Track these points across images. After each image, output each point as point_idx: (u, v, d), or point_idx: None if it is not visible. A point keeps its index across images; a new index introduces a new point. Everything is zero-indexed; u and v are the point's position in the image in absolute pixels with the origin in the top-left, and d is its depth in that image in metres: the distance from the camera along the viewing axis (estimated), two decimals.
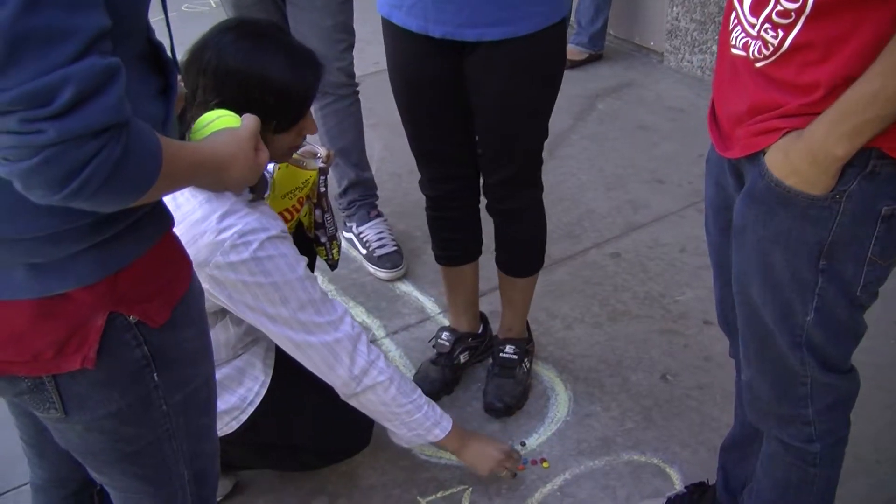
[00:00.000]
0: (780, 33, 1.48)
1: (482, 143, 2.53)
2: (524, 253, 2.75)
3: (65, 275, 1.30)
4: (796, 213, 1.54)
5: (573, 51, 5.07)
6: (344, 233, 3.52)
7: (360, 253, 3.46)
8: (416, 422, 2.28)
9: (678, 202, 3.76)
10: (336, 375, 2.16)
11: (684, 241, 3.49)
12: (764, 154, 1.56)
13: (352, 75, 3.34)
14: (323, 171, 2.27)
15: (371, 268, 3.41)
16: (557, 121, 4.19)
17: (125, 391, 1.41)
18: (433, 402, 2.34)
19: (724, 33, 1.65)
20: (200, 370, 1.55)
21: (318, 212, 2.31)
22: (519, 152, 2.51)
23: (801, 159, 1.48)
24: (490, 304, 3.05)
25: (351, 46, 3.30)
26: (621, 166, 4.09)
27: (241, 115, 1.52)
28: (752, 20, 1.53)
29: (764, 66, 1.53)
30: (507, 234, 2.71)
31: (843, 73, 1.42)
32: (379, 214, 3.52)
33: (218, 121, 1.51)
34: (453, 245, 2.80)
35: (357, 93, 3.40)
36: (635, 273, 3.35)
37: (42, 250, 1.27)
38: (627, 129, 4.44)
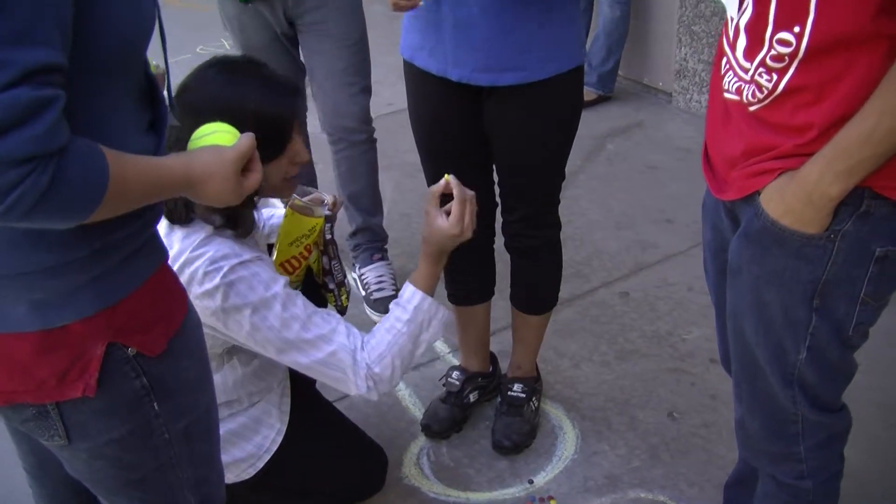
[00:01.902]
0: (774, 77, 1.52)
1: (501, 182, 2.60)
2: (540, 290, 2.79)
3: (64, 308, 1.35)
4: (791, 252, 1.57)
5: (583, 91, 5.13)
6: (352, 273, 3.57)
7: (359, 294, 3.50)
8: (430, 336, 2.25)
9: (686, 241, 3.79)
10: (348, 389, 2.16)
11: (692, 280, 3.52)
12: (759, 195, 1.59)
13: (367, 120, 3.38)
14: (329, 219, 2.31)
15: (367, 310, 3.45)
16: (567, 161, 4.25)
17: (126, 419, 1.46)
18: (418, 303, 2.22)
19: (716, 78, 1.69)
20: (201, 399, 1.59)
21: (325, 258, 2.35)
22: (536, 192, 2.57)
23: (796, 199, 1.52)
24: (500, 343, 3.08)
25: (365, 90, 3.34)
26: (630, 206, 4.13)
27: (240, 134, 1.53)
28: (746, 65, 1.57)
29: (758, 109, 1.57)
30: (524, 271, 2.75)
31: (836, 114, 1.46)
32: (382, 258, 3.56)
33: (211, 136, 1.51)
34: (467, 285, 2.84)
35: (373, 140, 3.44)
36: (643, 312, 3.38)
37: (41, 285, 1.33)
38: (636, 169, 4.49)
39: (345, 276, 2.45)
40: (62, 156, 1.15)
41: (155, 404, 1.48)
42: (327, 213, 2.29)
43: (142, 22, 1.34)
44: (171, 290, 1.52)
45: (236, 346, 2.13)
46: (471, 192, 2.20)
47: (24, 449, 1.73)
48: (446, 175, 2.18)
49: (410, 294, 2.21)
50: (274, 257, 2.27)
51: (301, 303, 2.09)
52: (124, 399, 1.45)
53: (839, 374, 1.73)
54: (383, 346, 2.15)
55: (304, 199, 2.28)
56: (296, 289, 2.18)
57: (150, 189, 1.34)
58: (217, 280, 1.98)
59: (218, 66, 2.02)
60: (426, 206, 2.20)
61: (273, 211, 2.57)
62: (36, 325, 1.35)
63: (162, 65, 1.52)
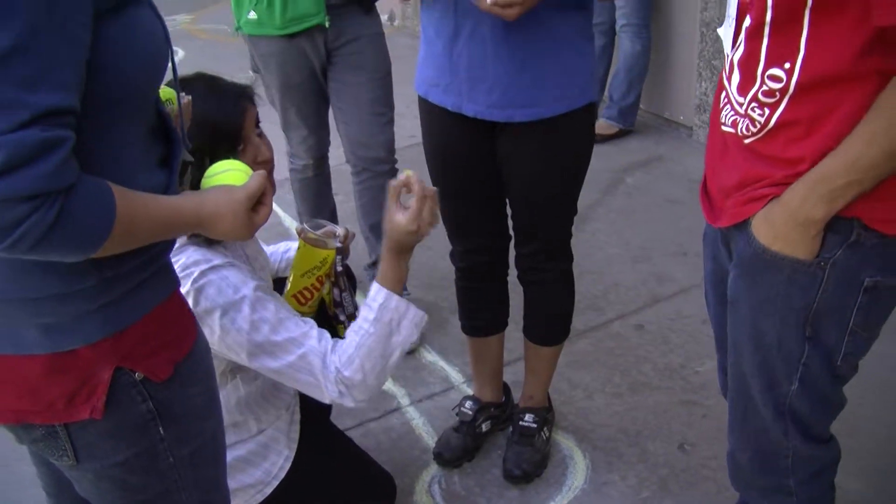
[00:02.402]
0: (767, 111, 1.58)
1: (514, 215, 2.65)
2: (552, 322, 2.83)
3: (72, 333, 1.42)
4: (783, 278, 1.62)
5: (604, 125, 5.20)
6: None
7: None
8: (403, 339, 2.18)
9: (702, 275, 3.81)
10: (322, 396, 2.15)
11: (706, 313, 3.53)
12: (750, 223, 1.64)
13: (392, 151, 3.47)
14: (340, 251, 2.35)
15: None
16: (586, 194, 4.28)
17: (132, 442, 1.51)
18: (384, 301, 2.16)
19: (716, 111, 1.75)
20: (207, 425, 1.64)
21: (335, 290, 2.39)
22: (549, 226, 2.62)
23: (782, 222, 1.57)
24: (513, 374, 3.12)
25: (391, 121, 3.43)
26: (647, 239, 4.17)
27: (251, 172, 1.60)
28: (740, 99, 1.63)
29: (752, 142, 1.63)
30: (537, 303, 2.80)
31: (826, 147, 1.52)
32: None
33: (223, 175, 1.61)
34: (482, 316, 2.89)
35: (396, 171, 3.50)
36: (657, 344, 3.41)
37: (51, 310, 1.39)
38: (655, 203, 4.53)
39: (356, 308, 2.46)
40: (69, 194, 1.21)
41: (161, 428, 1.53)
42: (338, 245, 2.34)
43: (153, 61, 1.41)
44: (179, 317, 1.58)
45: (239, 364, 2.17)
46: (432, 189, 2.16)
47: (42, 470, 1.79)
48: (406, 171, 2.17)
49: (375, 292, 2.17)
50: (287, 288, 2.33)
51: (273, 307, 2.10)
52: (131, 422, 1.50)
53: (829, 406, 1.77)
54: (351, 348, 2.11)
55: (318, 231, 2.34)
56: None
57: (159, 227, 1.41)
58: (188, 286, 2.02)
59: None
60: (387, 202, 2.18)
61: (289, 245, 2.64)
62: (46, 348, 1.41)
63: (175, 100, 1.59)
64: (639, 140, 5.25)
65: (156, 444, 1.54)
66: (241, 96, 2.16)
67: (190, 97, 1.79)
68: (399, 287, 2.19)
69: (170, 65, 1.50)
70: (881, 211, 1.54)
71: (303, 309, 2.31)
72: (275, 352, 2.09)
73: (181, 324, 1.58)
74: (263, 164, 2.15)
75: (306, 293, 2.33)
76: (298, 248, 2.32)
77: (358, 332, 2.14)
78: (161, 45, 1.43)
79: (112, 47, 1.30)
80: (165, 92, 1.60)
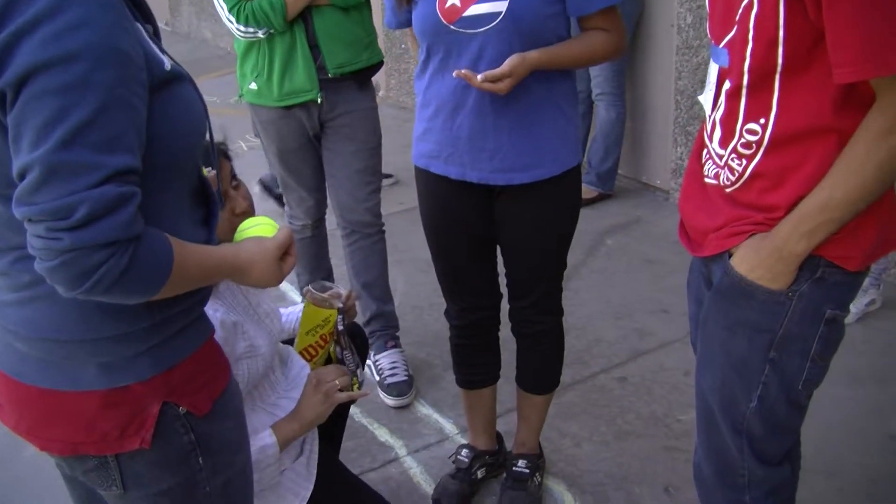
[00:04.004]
0: (744, 162, 1.79)
1: (510, 271, 2.82)
2: (544, 372, 2.99)
3: (127, 371, 1.58)
4: (755, 305, 1.81)
5: (585, 189, 5.40)
6: (368, 360, 3.78)
7: (374, 380, 3.72)
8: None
9: (682, 330, 3.99)
10: None
11: (688, 365, 3.72)
12: (730, 256, 1.84)
13: (378, 215, 3.64)
14: (341, 311, 2.48)
15: (381, 394, 3.66)
16: (569, 255, 4.49)
17: (175, 472, 1.67)
18: (265, 444, 2.26)
19: (695, 164, 1.95)
20: (238, 457, 1.79)
21: (337, 349, 2.52)
22: (543, 280, 2.80)
23: (768, 255, 1.76)
24: (506, 424, 3.28)
25: (378, 189, 3.62)
26: (628, 297, 4.36)
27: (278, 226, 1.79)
28: (721, 152, 1.84)
29: (732, 191, 1.84)
30: (529, 354, 2.96)
31: (797, 196, 1.73)
32: (396, 346, 3.78)
33: (255, 228, 1.81)
34: (476, 370, 3.05)
35: (383, 232, 3.69)
36: (640, 395, 3.58)
37: (108, 350, 1.56)
38: (635, 263, 4.73)
39: (357, 366, 2.59)
40: (138, 242, 1.39)
41: (200, 459, 1.68)
42: (340, 305, 2.48)
43: (195, 132, 1.60)
44: (216, 359, 1.75)
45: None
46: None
47: (76, 497, 1.91)
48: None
49: (268, 437, 2.28)
50: (294, 345, 2.49)
51: None
52: (175, 453, 1.66)
53: (785, 431, 1.95)
54: None
55: (323, 293, 2.49)
56: None
57: (205, 273, 1.60)
58: None
59: None
60: (332, 398, 2.37)
61: (298, 307, 2.78)
62: (103, 384, 1.58)
63: (212, 168, 1.78)
64: (618, 203, 5.47)
65: (195, 474, 1.69)
66: (220, 154, 2.27)
67: (213, 171, 1.97)
68: (284, 445, 2.30)
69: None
70: (842, 249, 1.74)
71: (311, 364, 2.47)
72: None
73: (218, 363, 1.74)
74: (242, 215, 2.24)
75: (311, 350, 2.49)
76: (304, 307, 2.47)
77: None
78: (201, 118, 1.62)
79: (160, 119, 1.48)
80: None
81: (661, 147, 5.49)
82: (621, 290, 4.45)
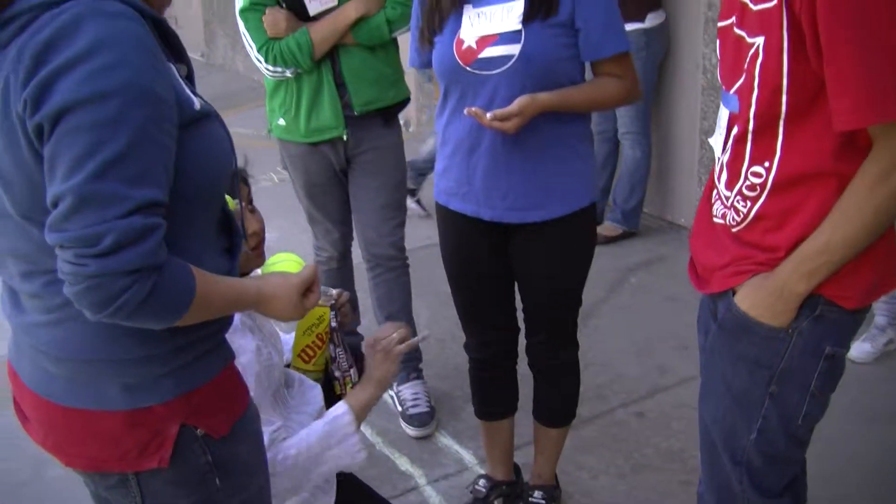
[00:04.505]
0: (749, 203, 1.87)
1: (525, 308, 2.90)
2: (559, 406, 3.06)
3: (149, 392, 1.66)
4: (757, 340, 1.88)
5: (609, 227, 5.48)
6: (389, 390, 3.86)
7: (396, 410, 3.79)
8: (336, 455, 2.26)
9: None
10: None
11: None
12: (734, 293, 1.91)
13: (402, 249, 3.73)
14: (333, 307, 2.49)
15: (403, 424, 3.73)
16: (592, 292, 4.55)
17: (192, 491, 1.74)
18: (342, 418, 2.29)
19: (706, 204, 2.03)
20: (255, 480, 1.85)
21: (331, 347, 2.53)
22: (558, 316, 2.88)
23: (769, 293, 1.83)
24: (524, 456, 3.33)
25: (402, 224, 3.71)
26: (650, 334, 4.41)
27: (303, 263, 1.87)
28: (727, 194, 1.92)
29: (738, 231, 1.91)
30: (546, 388, 3.03)
31: (798, 237, 1.80)
32: (418, 377, 3.85)
33: (280, 264, 1.88)
34: (493, 402, 3.12)
35: (407, 265, 3.78)
36: (658, 430, 3.63)
37: (132, 371, 1.64)
38: (657, 301, 4.78)
39: (350, 366, 2.57)
40: (161, 271, 1.48)
41: (217, 480, 1.75)
42: (332, 302, 2.48)
43: (221, 168, 1.68)
44: (235, 384, 1.82)
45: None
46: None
47: None
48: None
49: (339, 405, 2.32)
50: (292, 347, 2.53)
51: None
52: (192, 473, 1.73)
53: (784, 464, 1.99)
54: (296, 436, 2.24)
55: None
56: (317, 380, 2.44)
57: (228, 303, 1.68)
58: None
59: None
60: (392, 351, 2.40)
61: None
62: (126, 404, 1.65)
63: (236, 203, 1.87)
64: (642, 241, 5.53)
65: (212, 494, 1.76)
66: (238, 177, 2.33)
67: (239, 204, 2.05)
68: (362, 413, 2.33)
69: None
70: (841, 288, 1.81)
71: (308, 366, 2.50)
72: None
73: (237, 389, 1.82)
74: (253, 234, 2.31)
75: (309, 351, 2.51)
76: None
77: (310, 427, 2.29)
78: (227, 155, 1.71)
79: (189, 155, 1.57)
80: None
81: (685, 186, 5.55)
82: (643, 326, 4.51)
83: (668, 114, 5.58)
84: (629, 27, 5.05)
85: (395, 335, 2.42)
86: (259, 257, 2.36)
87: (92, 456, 1.71)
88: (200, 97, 1.66)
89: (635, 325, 4.54)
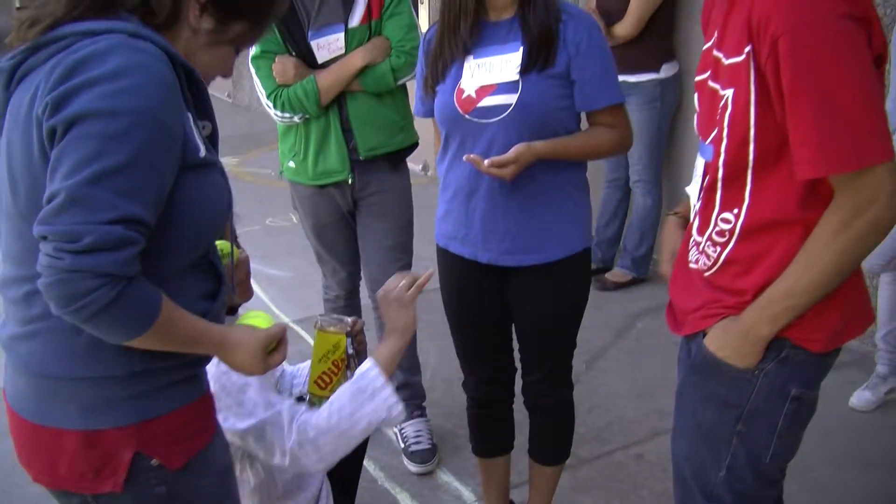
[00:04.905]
0: (718, 249, 1.96)
1: (522, 348, 3.00)
2: (554, 444, 3.14)
3: (104, 415, 1.73)
4: (724, 380, 1.96)
5: (618, 273, 5.57)
6: (392, 427, 3.95)
7: (399, 447, 3.88)
8: (371, 411, 2.29)
9: None
10: (282, 453, 2.24)
11: None
12: (704, 335, 1.99)
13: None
14: (350, 334, 2.54)
15: (405, 460, 3.82)
16: (600, 336, 4.64)
17: None
18: (366, 370, 2.35)
19: (683, 249, 2.12)
20: None
21: (348, 373, 2.57)
22: (550, 357, 2.96)
23: (736, 336, 1.92)
24: (519, 495, 3.41)
25: (408, 265, 3.79)
26: (652, 378, 4.48)
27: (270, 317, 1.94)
28: (699, 239, 2.02)
29: (709, 275, 2.01)
30: (541, 426, 3.12)
31: (764, 282, 1.89)
32: (422, 415, 3.94)
33: (252, 319, 1.92)
34: (490, 439, 3.21)
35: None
36: (655, 472, 3.69)
37: (89, 392, 1.72)
38: (663, 346, 4.83)
39: (358, 356, 2.61)
40: (129, 283, 1.56)
41: None
42: (348, 330, 2.54)
43: (212, 217, 1.77)
44: (199, 418, 1.86)
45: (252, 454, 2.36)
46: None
47: None
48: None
49: (365, 362, 2.37)
50: (308, 375, 2.58)
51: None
52: (149, 501, 1.78)
53: (755, 502, 2.06)
54: (325, 406, 2.31)
55: (333, 325, 2.53)
56: None
57: (190, 338, 1.73)
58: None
59: None
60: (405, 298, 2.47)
61: (306, 364, 2.91)
62: (80, 425, 1.73)
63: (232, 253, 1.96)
64: (651, 287, 5.59)
65: None
66: None
67: (246, 254, 2.13)
68: (390, 366, 2.37)
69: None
70: (806, 332, 1.89)
71: (325, 393, 2.51)
72: (254, 411, 2.26)
73: (200, 423, 1.86)
74: (241, 263, 2.37)
75: (325, 377, 2.57)
76: (315, 336, 2.54)
77: (339, 391, 2.35)
78: (223, 208, 1.80)
79: (184, 196, 1.68)
80: (223, 245, 1.98)
81: None
82: (647, 371, 4.57)
83: (678, 163, 5.66)
84: (644, 77, 5.20)
85: (403, 282, 2.48)
86: (246, 292, 2.44)
87: (53, 474, 1.78)
88: (211, 150, 1.77)
89: (638, 369, 4.61)
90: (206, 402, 1.90)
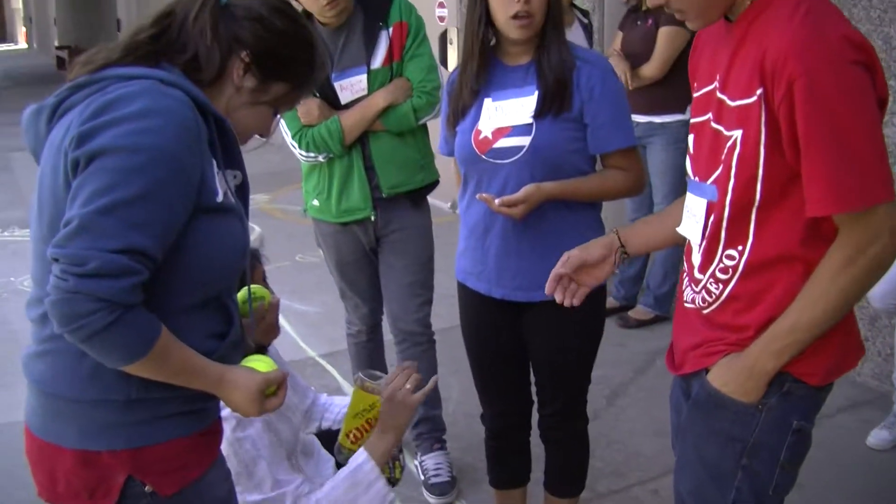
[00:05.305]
0: (720, 286, 2.03)
1: (538, 382, 3.07)
2: (567, 477, 3.21)
3: (100, 438, 1.80)
4: (728, 416, 2.01)
5: (641, 311, 5.62)
6: (413, 460, 4.03)
7: (420, 479, 3.95)
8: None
9: None
10: None
11: None
12: (707, 372, 2.05)
13: (427, 325, 3.89)
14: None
15: (425, 493, 3.88)
16: (621, 373, 4.69)
17: None
18: (363, 465, 2.44)
19: (680, 294, 2.18)
20: None
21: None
22: (564, 391, 3.04)
23: (740, 372, 1.98)
24: None
25: (428, 302, 3.87)
26: (669, 415, 4.50)
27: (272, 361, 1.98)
28: (700, 277, 2.08)
29: (708, 312, 2.07)
30: (556, 459, 3.18)
31: (767, 318, 1.95)
32: (441, 448, 3.99)
33: (254, 363, 1.96)
34: (506, 470, 3.29)
35: (433, 341, 3.93)
36: None
37: (86, 414, 1.79)
38: None
39: (400, 452, 2.78)
40: (128, 310, 1.64)
41: None
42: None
43: (223, 264, 1.85)
44: (197, 449, 1.89)
45: None
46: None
47: None
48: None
49: (358, 454, 2.46)
50: (342, 428, 2.66)
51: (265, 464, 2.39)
52: None
53: None
54: (322, 491, 2.40)
55: (372, 382, 2.63)
56: None
57: (188, 371, 1.78)
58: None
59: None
60: (408, 402, 2.54)
61: (345, 399, 3.00)
62: (77, 444, 1.81)
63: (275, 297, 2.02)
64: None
65: None
66: (251, 258, 2.42)
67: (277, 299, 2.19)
68: (383, 459, 2.47)
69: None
70: (806, 366, 1.96)
71: (354, 447, 2.60)
72: (261, 485, 2.36)
73: (199, 455, 1.90)
74: (272, 307, 2.45)
75: (357, 433, 2.65)
76: (353, 392, 2.64)
77: (333, 480, 2.44)
78: (236, 253, 1.87)
79: (197, 237, 1.76)
80: (258, 290, 2.05)
81: None
82: (665, 408, 4.50)
83: None
84: (670, 119, 5.27)
85: (408, 385, 2.56)
86: (271, 332, 2.50)
87: (53, 490, 1.86)
88: (231, 197, 1.85)
89: (658, 406, 4.63)
90: (207, 437, 1.93)
